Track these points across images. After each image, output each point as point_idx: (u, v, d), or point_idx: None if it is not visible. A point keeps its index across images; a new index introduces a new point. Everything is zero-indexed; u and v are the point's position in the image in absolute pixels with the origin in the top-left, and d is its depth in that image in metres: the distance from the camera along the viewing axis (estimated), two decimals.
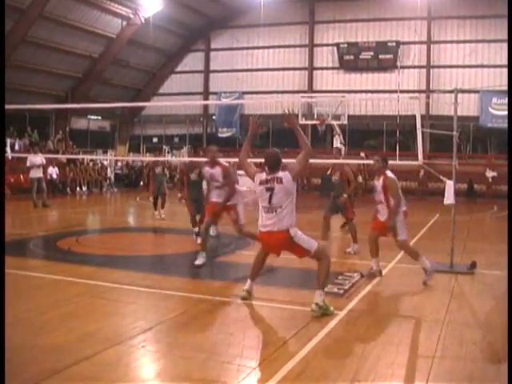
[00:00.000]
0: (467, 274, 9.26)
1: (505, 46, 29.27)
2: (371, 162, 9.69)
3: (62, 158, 28.78)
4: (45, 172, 22.40)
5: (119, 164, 34.84)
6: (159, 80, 40.27)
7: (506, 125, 28.32)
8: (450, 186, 9.73)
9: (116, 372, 4.88)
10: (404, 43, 34.26)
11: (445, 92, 30.22)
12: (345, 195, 11.56)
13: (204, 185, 11.99)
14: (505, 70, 28.34)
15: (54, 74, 32.84)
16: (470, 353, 5.54)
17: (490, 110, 31.28)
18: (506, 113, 28.86)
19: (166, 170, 19.19)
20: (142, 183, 30.78)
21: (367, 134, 36.40)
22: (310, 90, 36.36)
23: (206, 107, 39.66)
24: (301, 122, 32.44)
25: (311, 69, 36.72)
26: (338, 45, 35.53)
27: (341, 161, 12.55)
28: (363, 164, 23.33)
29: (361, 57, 34.98)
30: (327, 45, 36.28)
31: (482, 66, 31.80)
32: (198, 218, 12.22)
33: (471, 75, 32.62)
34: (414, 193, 30.92)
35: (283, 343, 5.71)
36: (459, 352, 5.55)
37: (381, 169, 9.12)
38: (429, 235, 14.45)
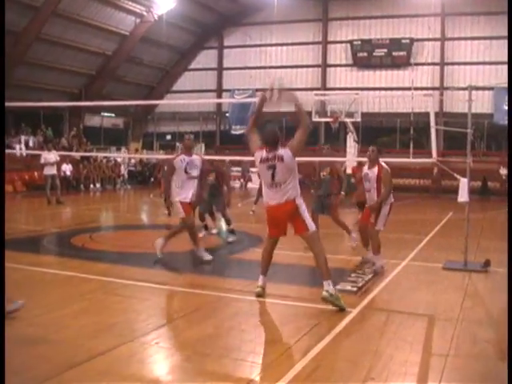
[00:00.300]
0: (481, 272, 9.21)
1: None
2: (386, 159, 9.78)
3: (76, 155, 28.92)
4: (59, 169, 22.52)
5: (132, 161, 34.95)
6: (172, 77, 40.33)
7: None
8: (463, 183, 9.69)
9: (129, 368, 4.90)
10: (418, 40, 34.12)
11: (459, 89, 30.12)
12: (341, 193, 11.45)
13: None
14: None
15: (67, 71, 32.98)
16: (483, 351, 5.52)
17: (505, 107, 31.04)
18: None
19: None
20: (152, 180, 30.90)
21: (380, 131, 36.28)
22: (324, 87, 36.30)
23: (219, 104, 39.72)
24: (314, 120, 32.46)
25: (324, 66, 36.66)
26: (351, 42, 35.45)
27: (331, 159, 12.34)
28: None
29: (374, 54, 34.87)
30: (340, 42, 36.20)
31: (496, 63, 31.53)
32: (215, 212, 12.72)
33: (485, 72, 32.38)
34: (428, 190, 30.82)
35: (296, 341, 5.71)
36: (473, 350, 5.53)
37: (376, 159, 9.42)
38: (442, 233, 14.40)
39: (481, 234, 13.46)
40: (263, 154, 7.01)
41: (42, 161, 20.52)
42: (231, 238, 12.38)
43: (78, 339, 5.58)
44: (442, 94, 31.82)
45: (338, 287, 7.89)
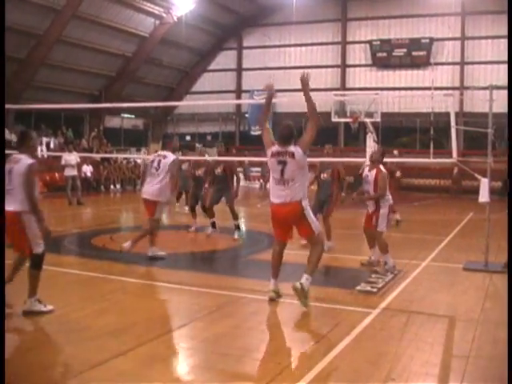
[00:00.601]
0: (502, 272, 9.14)
1: None
2: (406, 159, 9.83)
3: (96, 156, 29.07)
4: (79, 170, 22.68)
5: None
6: (192, 78, 40.43)
7: None
8: (484, 183, 9.63)
9: (150, 368, 4.92)
10: (437, 40, 33.90)
11: (479, 89, 29.86)
12: (341, 194, 11.41)
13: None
14: None
15: (87, 73, 33.18)
16: (504, 353, 5.46)
17: None
18: None
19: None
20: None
21: (400, 131, 36.13)
22: (343, 87, 36.21)
23: (238, 105, 39.74)
24: (333, 120, 32.39)
25: (344, 66, 36.56)
26: (370, 42, 35.32)
27: (334, 159, 12.27)
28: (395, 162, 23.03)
29: (394, 54, 34.71)
30: (360, 42, 36.08)
31: None
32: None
33: (507, 71, 32.03)
34: (448, 191, 30.61)
35: (316, 341, 5.71)
36: (494, 352, 5.49)
37: (377, 161, 9.50)
38: (463, 234, 14.31)
39: (502, 234, 13.35)
40: (274, 148, 7.03)
41: (63, 162, 20.70)
42: (237, 235, 12.52)
43: (99, 339, 5.62)
44: (462, 94, 31.58)
45: (358, 288, 7.90)
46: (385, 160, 9.86)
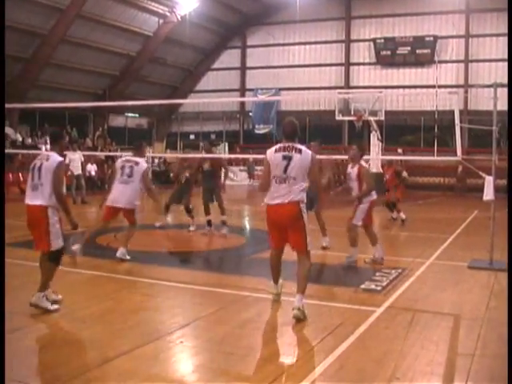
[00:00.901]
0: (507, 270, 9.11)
1: None
2: (410, 157, 9.83)
3: (101, 155, 29.10)
4: (84, 169, 22.69)
5: (156, 161, 35.06)
6: (196, 77, 40.48)
7: None
8: (489, 181, 9.61)
9: (154, 367, 4.92)
10: (442, 37, 33.88)
11: (484, 86, 29.74)
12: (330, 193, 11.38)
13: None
14: None
15: (91, 72, 33.27)
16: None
17: None
18: None
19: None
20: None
21: (404, 129, 36.13)
22: (347, 85, 36.22)
23: (242, 104, 39.77)
24: (337, 118, 32.40)
25: (348, 64, 36.57)
26: (374, 40, 35.32)
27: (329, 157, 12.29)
28: (401, 160, 22.99)
29: (398, 52, 34.73)
30: (364, 40, 36.09)
31: None
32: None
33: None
34: (453, 189, 30.58)
35: (320, 340, 5.69)
36: (499, 350, 5.46)
37: (356, 158, 9.67)
38: (467, 232, 14.29)
39: (507, 232, 13.31)
40: (280, 144, 6.70)
41: (67, 161, 20.69)
42: (225, 230, 12.62)
43: (103, 338, 5.62)
44: (466, 92, 31.53)
45: (363, 286, 7.88)
46: (390, 158, 9.88)
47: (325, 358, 5.14)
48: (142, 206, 22.93)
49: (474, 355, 5.29)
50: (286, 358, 5.32)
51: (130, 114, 38.89)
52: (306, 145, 7.04)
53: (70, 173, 20.35)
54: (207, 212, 12.99)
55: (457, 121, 10.59)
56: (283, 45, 38.02)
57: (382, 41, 35.14)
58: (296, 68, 37.46)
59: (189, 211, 13.51)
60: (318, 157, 10.65)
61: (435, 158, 13.61)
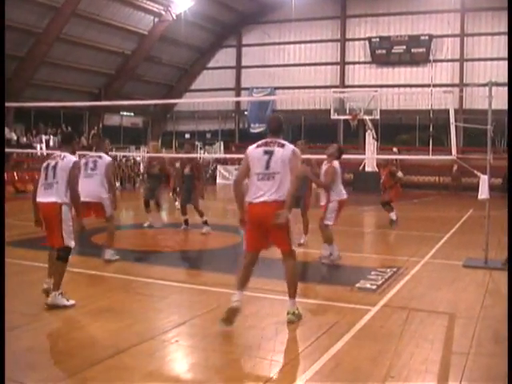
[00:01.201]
0: (502, 269, 9.13)
1: None
2: (405, 157, 9.84)
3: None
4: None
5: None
6: (191, 76, 40.44)
7: None
8: (484, 180, 9.63)
9: (150, 365, 4.92)
10: (437, 36, 33.91)
11: (479, 85, 29.87)
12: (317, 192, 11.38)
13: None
14: None
15: (87, 71, 33.22)
16: (505, 350, 5.46)
17: None
18: None
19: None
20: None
21: (400, 128, 36.19)
22: (342, 84, 36.23)
23: (238, 103, 39.77)
24: (333, 117, 32.43)
25: (343, 63, 36.57)
26: (369, 39, 35.34)
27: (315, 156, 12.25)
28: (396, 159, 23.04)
29: (393, 51, 34.75)
30: (359, 39, 36.10)
31: None
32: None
33: (506, 68, 31.99)
34: (448, 188, 30.61)
35: (316, 338, 5.70)
36: (494, 349, 5.49)
37: (332, 156, 9.72)
38: (462, 231, 14.32)
39: (501, 231, 13.35)
40: (262, 140, 6.41)
41: None
42: (205, 229, 12.80)
43: (100, 337, 5.63)
44: (461, 91, 31.57)
45: (358, 285, 7.90)
46: (386, 157, 9.90)
47: (320, 356, 5.16)
48: (136, 206, 22.93)
49: (468, 353, 5.30)
50: (281, 356, 5.33)
51: (125, 113, 38.84)
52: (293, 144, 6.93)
53: None
54: (184, 212, 13.48)
55: (452, 120, 10.61)
56: (279, 44, 38.00)
57: (378, 40, 35.15)
58: (291, 67, 37.46)
59: (158, 205, 14.83)
60: (309, 156, 10.78)
61: (430, 157, 13.67)
